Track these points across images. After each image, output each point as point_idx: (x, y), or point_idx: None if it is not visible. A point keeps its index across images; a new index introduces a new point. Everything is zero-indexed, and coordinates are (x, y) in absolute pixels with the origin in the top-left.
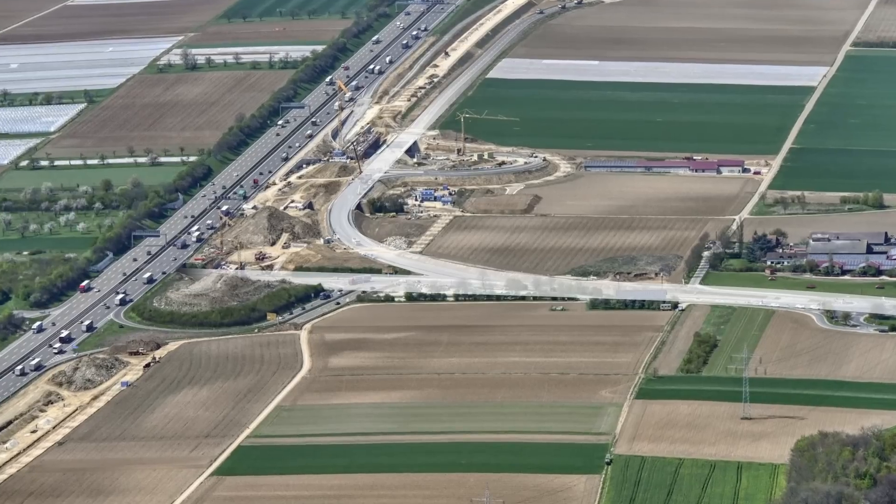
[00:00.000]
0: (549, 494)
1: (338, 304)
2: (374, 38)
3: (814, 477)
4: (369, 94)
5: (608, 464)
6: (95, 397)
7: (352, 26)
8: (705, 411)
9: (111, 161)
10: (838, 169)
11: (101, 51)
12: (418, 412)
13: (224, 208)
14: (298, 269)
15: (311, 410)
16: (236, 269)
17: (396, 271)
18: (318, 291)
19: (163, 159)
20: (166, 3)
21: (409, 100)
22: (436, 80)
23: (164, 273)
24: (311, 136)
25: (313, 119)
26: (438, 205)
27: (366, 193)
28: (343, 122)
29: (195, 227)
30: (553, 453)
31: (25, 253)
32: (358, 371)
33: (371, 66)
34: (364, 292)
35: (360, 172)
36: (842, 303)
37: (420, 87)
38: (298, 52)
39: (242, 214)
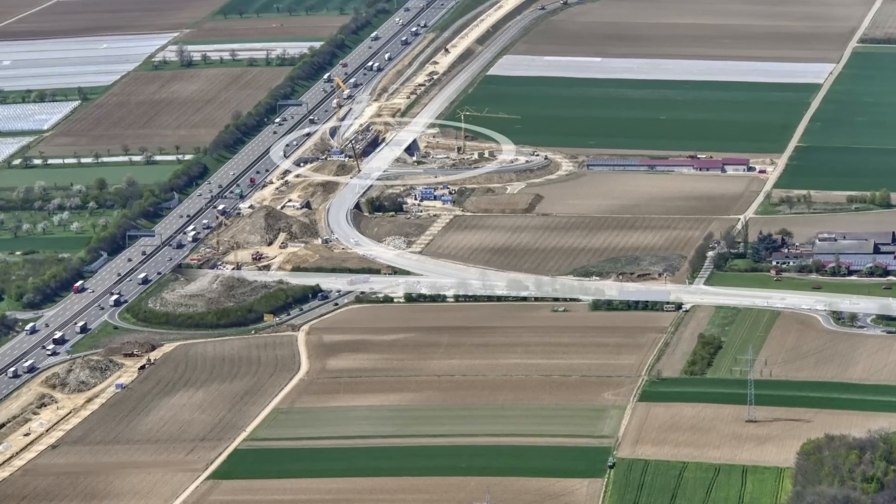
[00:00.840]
0: (551, 498)
1: (336, 304)
2: (373, 34)
3: (820, 481)
4: (368, 91)
5: (611, 467)
6: (89, 400)
7: (350, 23)
8: (710, 414)
9: (105, 159)
10: (845, 167)
11: (96, 47)
12: (418, 415)
13: (220, 207)
14: (296, 269)
15: (308, 413)
16: (233, 269)
17: (396, 271)
18: (315, 292)
19: (158, 158)
20: None
21: (408, 97)
22: (435, 77)
23: (159, 273)
24: (308, 135)
25: (311, 117)
26: (438, 204)
27: (364, 192)
28: (341, 120)
29: (191, 227)
30: (555, 457)
31: (18, 253)
32: (356, 373)
33: (370, 63)
34: (363, 293)
35: (359, 171)
36: (848, 303)
37: (419, 85)
38: (296, 48)
39: (239, 214)
